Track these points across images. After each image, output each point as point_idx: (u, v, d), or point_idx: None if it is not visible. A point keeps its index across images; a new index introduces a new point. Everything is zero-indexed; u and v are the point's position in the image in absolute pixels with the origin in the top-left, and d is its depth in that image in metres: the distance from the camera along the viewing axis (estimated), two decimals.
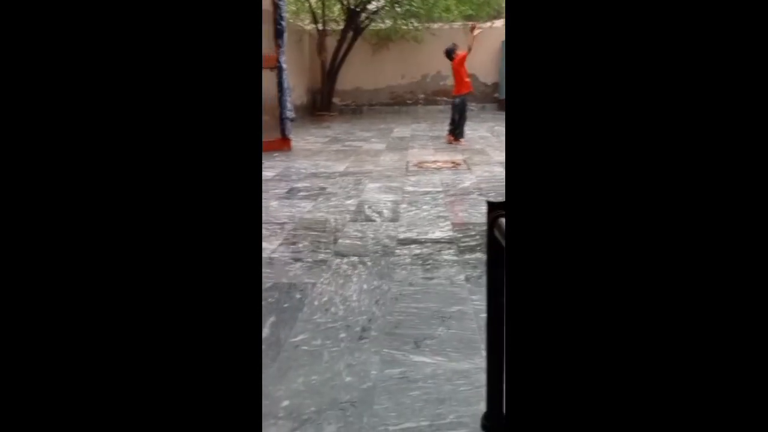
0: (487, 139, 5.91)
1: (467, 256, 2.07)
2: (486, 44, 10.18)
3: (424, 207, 2.89)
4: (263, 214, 2.78)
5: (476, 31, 5.61)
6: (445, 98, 10.62)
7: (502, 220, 0.86)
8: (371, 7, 9.10)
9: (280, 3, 4.80)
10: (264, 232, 2.46)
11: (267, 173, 4.01)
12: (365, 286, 1.79)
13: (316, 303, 1.66)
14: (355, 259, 2.08)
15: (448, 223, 2.56)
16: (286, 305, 1.66)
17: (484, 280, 1.82)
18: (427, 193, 3.24)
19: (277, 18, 4.85)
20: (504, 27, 10.52)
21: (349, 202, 3.04)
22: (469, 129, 6.93)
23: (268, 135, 5.56)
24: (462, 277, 1.85)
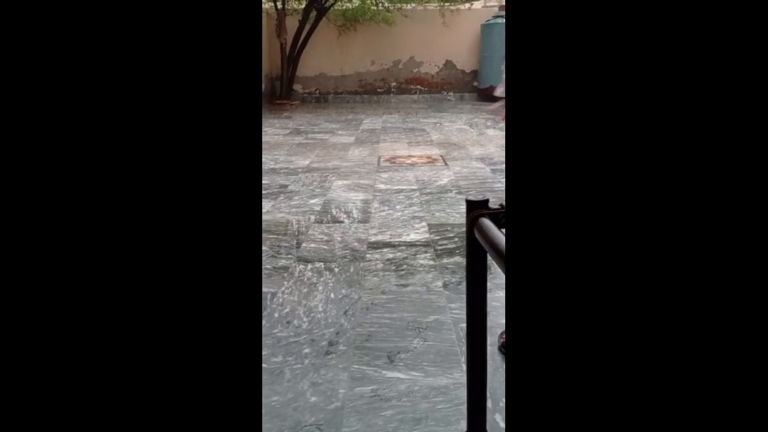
0: (466, 131, 5.98)
1: (445, 261, 2.09)
2: (463, 29, 10.30)
3: (398, 207, 2.90)
4: None
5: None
6: (419, 87, 10.71)
7: (483, 221, 0.87)
8: None
9: None
10: None
11: None
12: (332, 296, 1.78)
13: (276, 315, 1.65)
14: (320, 265, 2.06)
15: (424, 224, 2.58)
16: None
17: (463, 287, 1.84)
18: (401, 191, 3.26)
19: None
20: (483, 10, 10.63)
21: (313, 201, 3.02)
22: (447, 121, 7.01)
23: None
24: (439, 283, 1.87)
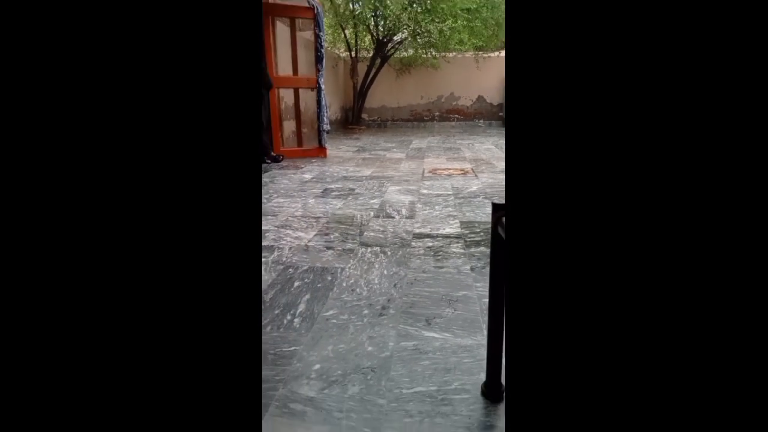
0: (492, 150, 5.83)
1: (473, 250, 2.05)
2: (493, 71, 10.04)
3: (437, 207, 2.87)
4: (302, 210, 2.81)
5: None
6: (457, 116, 10.54)
7: (504, 219, 0.85)
8: (396, 38, 9.06)
9: (320, 34, 4.83)
10: (302, 224, 2.48)
11: (306, 176, 4.04)
12: (385, 272, 1.78)
13: (344, 284, 1.67)
14: (377, 248, 2.07)
15: (457, 221, 2.54)
16: (319, 285, 1.67)
17: (486, 270, 1.81)
18: (440, 195, 3.22)
19: (318, 46, 4.88)
20: None
21: (373, 201, 3.04)
22: (477, 142, 6.86)
23: (308, 144, 5.62)
24: (468, 267, 1.83)
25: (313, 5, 4.79)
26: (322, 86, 5.04)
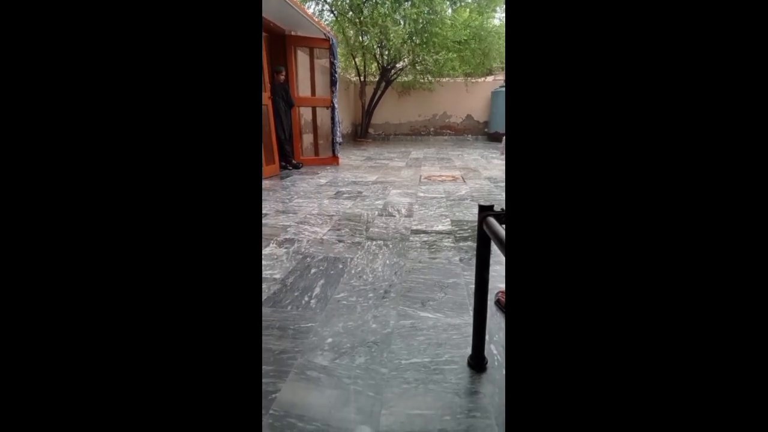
0: (478, 161, 5.81)
1: (461, 244, 2.04)
2: (480, 94, 10.01)
3: (431, 207, 2.86)
4: (318, 209, 2.80)
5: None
6: (449, 131, 10.51)
7: (489, 219, 0.85)
8: (398, 65, 9.06)
9: (334, 61, 4.83)
10: (318, 221, 2.48)
11: (321, 180, 4.04)
12: (387, 262, 1.78)
13: (353, 271, 1.67)
14: (380, 242, 2.07)
15: (448, 219, 2.53)
16: (332, 272, 1.67)
17: (473, 261, 1.80)
18: (434, 197, 3.21)
19: (332, 72, 4.88)
20: (493, 82, 10.31)
21: (377, 202, 3.03)
22: (466, 154, 6.83)
23: (324, 154, 5.62)
24: (457, 258, 1.83)
25: (328, 37, 4.79)
26: (336, 105, 5.04)
